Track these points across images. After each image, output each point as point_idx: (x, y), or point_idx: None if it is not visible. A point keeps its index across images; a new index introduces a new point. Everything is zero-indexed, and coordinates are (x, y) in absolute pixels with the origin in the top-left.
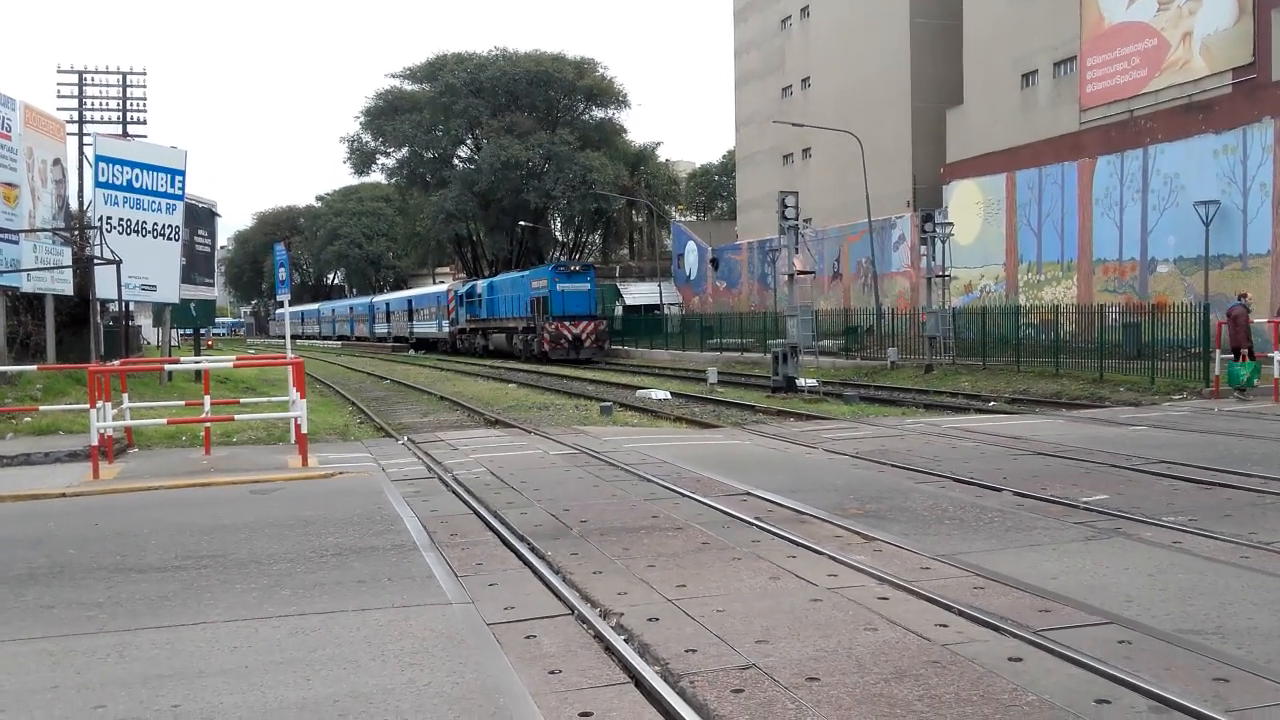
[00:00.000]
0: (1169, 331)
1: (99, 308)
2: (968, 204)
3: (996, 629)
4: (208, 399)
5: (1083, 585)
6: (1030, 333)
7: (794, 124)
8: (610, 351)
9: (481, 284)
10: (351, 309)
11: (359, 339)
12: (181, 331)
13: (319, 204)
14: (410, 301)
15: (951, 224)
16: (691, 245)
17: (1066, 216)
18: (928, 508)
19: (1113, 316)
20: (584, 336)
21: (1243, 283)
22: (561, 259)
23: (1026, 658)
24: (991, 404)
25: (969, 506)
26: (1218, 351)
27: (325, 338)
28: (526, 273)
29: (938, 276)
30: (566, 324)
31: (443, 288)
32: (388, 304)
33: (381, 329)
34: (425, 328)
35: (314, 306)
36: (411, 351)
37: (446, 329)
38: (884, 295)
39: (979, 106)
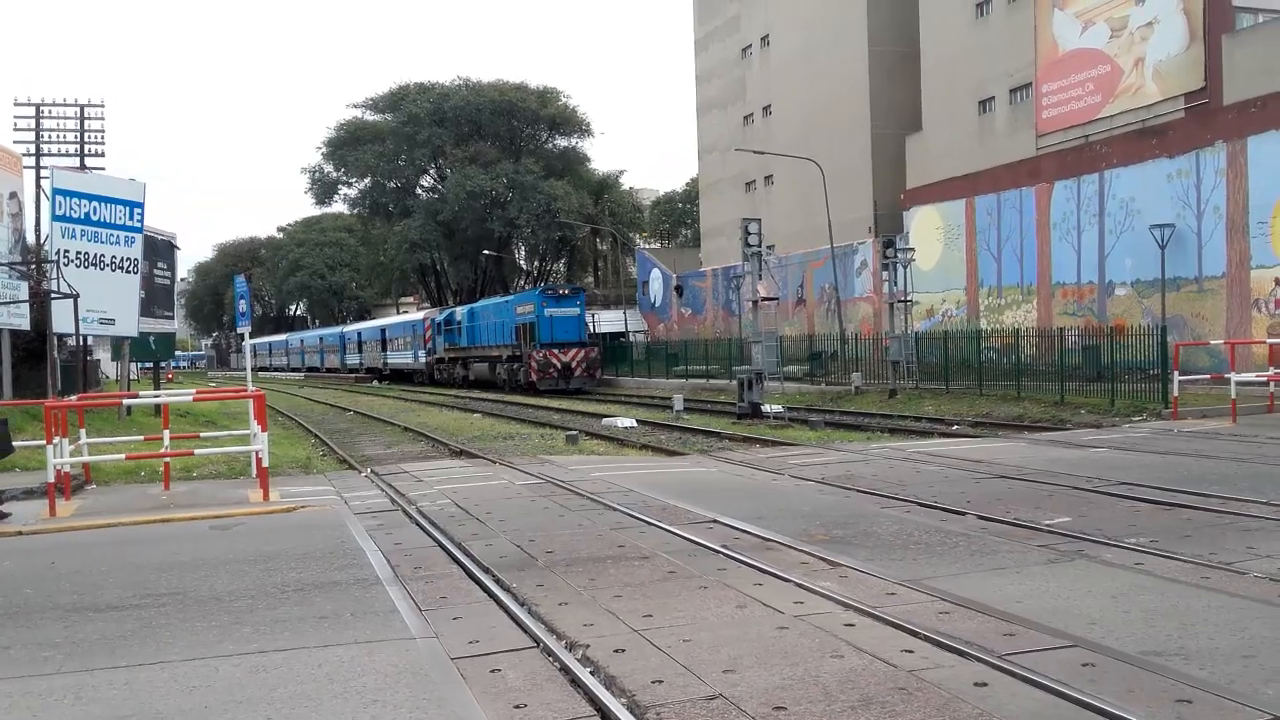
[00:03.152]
0: (1128, 354)
1: (56, 342)
2: (928, 229)
3: (962, 654)
4: (167, 433)
5: (1047, 608)
6: (992, 356)
7: (756, 151)
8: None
9: (461, 310)
10: (321, 339)
11: (329, 370)
12: (141, 365)
13: (280, 235)
14: (383, 331)
15: (913, 249)
16: (656, 272)
17: (1025, 241)
18: (893, 533)
19: (1072, 339)
20: (574, 365)
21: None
22: (546, 284)
23: (992, 682)
24: (955, 428)
25: (934, 531)
26: (1175, 373)
27: (294, 369)
28: (511, 297)
29: (900, 301)
30: (555, 351)
31: (418, 316)
32: (359, 334)
33: (353, 360)
34: (400, 358)
35: (281, 338)
36: (376, 383)
37: (423, 359)
38: (848, 320)
39: (938, 133)
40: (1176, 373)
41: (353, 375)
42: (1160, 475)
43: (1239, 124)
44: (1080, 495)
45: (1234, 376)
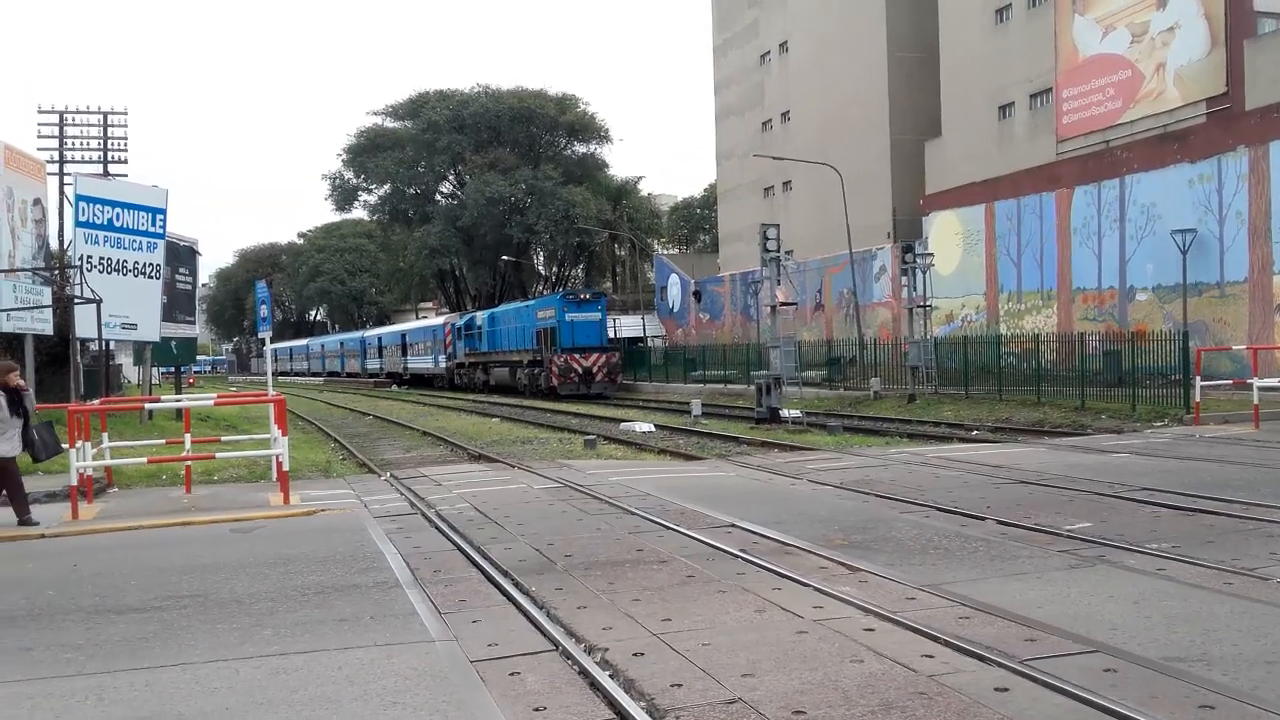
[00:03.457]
0: (1149, 359)
1: (79, 347)
2: (947, 234)
3: (982, 659)
4: (188, 437)
5: (1068, 614)
6: (1012, 361)
7: (774, 157)
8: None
9: (482, 315)
10: (342, 344)
11: (350, 375)
12: (163, 370)
13: (301, 241)
14: (404, 335)
15: (932, 255)
16: (674, 278)
17: (1045, 246)
18: (912, 537)
19: (1093, 345)
20: (595, 370)
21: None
22: (567, 289)
23: (1013, 688)
24: (974, 433)
25: (953, 536)
26: (1197, 378)
27: (315, 374)
28: (532, 302)
29: (919, 307)
30: (576, 356)
31: (439, 321)
32: (380, 339)
33: (373, 364)
34: (420, 363)
35: (302, 342)
36: (395, 387)
37: (443, 364)
38: (866, 326)
39: (957, 138)
40: (1198, 378)
41: (372, 380)
42: (1182, 481)
43: (1261, 129)
44: (1101, 500)
45: (1257, 382)
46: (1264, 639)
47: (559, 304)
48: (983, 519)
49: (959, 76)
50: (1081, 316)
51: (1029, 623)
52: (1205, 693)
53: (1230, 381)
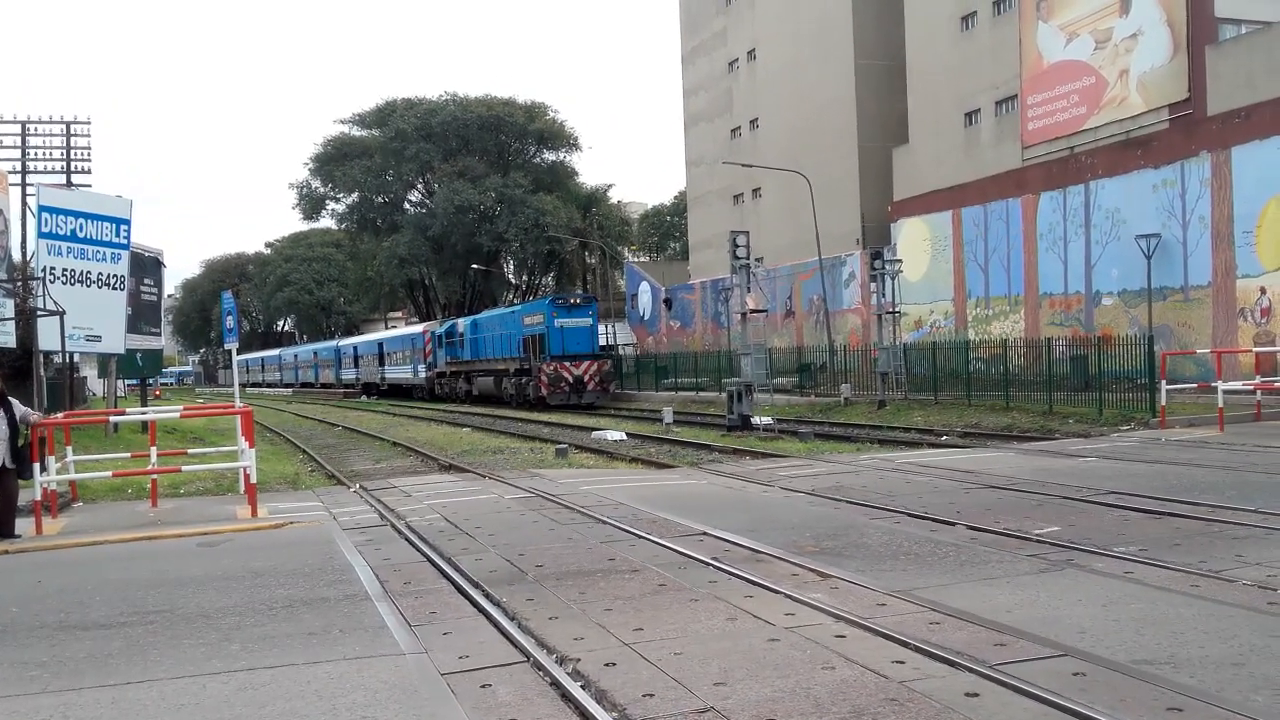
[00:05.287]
0: (1115, 363)
1: (43, 359)
2: (916, 241)
3: (953, 664)
4: (154, 450)
5: (1037, 618)
6: (980, 367)
7: (743, 164)
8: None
9: (464, 322)
10: (315, 354)
11: (324, 386)
12: (128, 382)
13: (268, 250)
14: (381, 345)
15: (900, 261)
16: (645, 286)
17: (1012, 252)
18: (883, 543)
19: (1060, 350)
20: (587, 378)
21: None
22: (556, 294)
23: (983, 693)
24: (944, 438)
25: (924, 541)
26: (1163, 382)
27: (286, 385)
28: (518, 307)
29: (888, 313)
30: (567, 364)
31: (418, 329)
32: (355, 348)
33: (349, 374)
34: (398, 373)
35: (273, 353)
36: (364, 398)
37: (423, 373)
38: (836, 332)
39: (924, 145)
40: (1164, 382)
41: (343, 390)
42: (1149, 484)
43: (1223, 134)
44: (1069, 505)
45: (1221, 385)
46: (1230, 641)
47: (547, 309)
48: (953, 524)
49: (926, 84)
50: (1048, 321)
51: (999, 627)
52: (1173, 695)
53: (1195, 385)
